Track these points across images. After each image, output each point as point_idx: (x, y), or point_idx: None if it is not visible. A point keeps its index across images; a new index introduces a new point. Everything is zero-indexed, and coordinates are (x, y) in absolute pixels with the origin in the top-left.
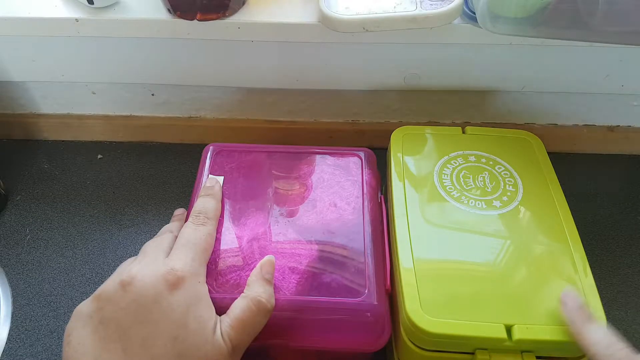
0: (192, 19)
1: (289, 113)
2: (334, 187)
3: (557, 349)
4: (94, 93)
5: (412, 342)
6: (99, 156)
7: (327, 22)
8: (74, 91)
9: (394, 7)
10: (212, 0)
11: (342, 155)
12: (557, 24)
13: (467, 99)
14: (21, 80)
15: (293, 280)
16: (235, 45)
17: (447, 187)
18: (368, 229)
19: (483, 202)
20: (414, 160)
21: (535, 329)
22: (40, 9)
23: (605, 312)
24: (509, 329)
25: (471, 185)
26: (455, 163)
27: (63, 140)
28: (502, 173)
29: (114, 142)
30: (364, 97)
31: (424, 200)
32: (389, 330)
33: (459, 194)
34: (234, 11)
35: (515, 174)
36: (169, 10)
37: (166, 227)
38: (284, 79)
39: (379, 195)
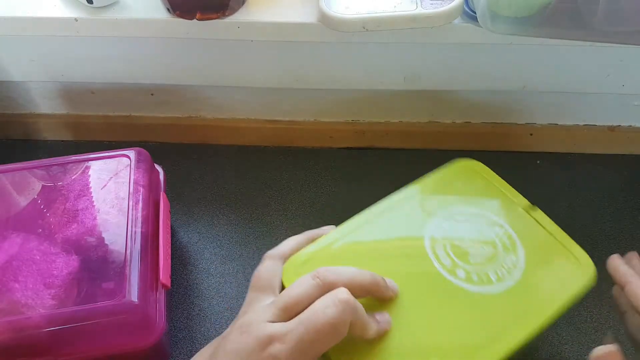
0: (191, 19)
1: (289, 113)
2: (98, 193)
3: None
4: (93, 93)
5: None
6: None
7: (327, 22)
8: (74, 91)
9: (394, 6)
10: (212, 0)
11: (109, 158)
12: (557, 23)
13: (467, 99)
14: (21, 80)
15: (47, 295)
16: (235, 45)
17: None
18: (134, 228)
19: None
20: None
21: None
22: (40, 8)
23: (605, 312)
24: None
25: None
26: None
27: (63, 140)
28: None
29: (114, 142)
30: (364, 97)
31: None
32: (162, 326)
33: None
34: (234, 11)
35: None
36: (168, 9)
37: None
38: (284, 79)
39: (161, 192)
